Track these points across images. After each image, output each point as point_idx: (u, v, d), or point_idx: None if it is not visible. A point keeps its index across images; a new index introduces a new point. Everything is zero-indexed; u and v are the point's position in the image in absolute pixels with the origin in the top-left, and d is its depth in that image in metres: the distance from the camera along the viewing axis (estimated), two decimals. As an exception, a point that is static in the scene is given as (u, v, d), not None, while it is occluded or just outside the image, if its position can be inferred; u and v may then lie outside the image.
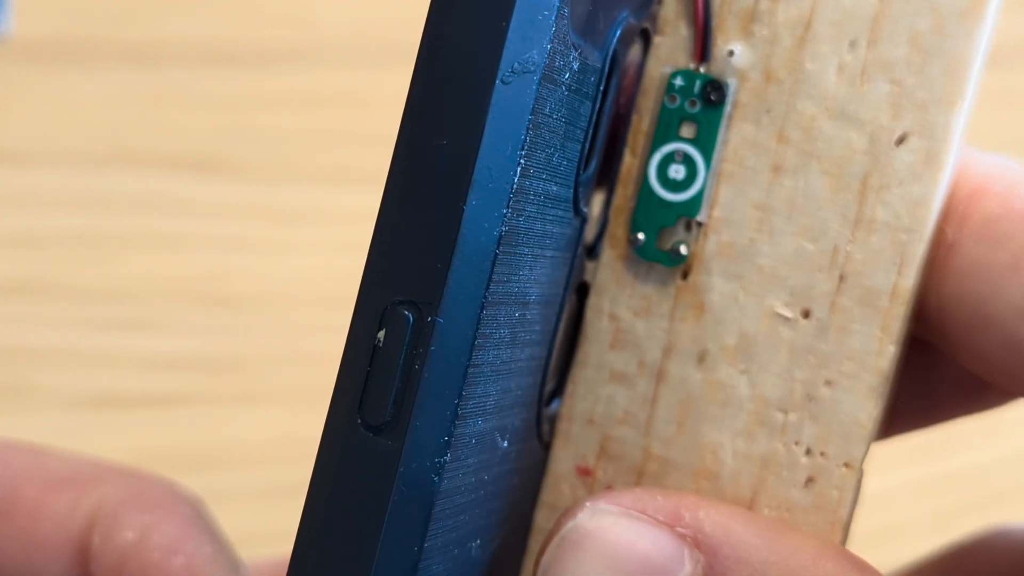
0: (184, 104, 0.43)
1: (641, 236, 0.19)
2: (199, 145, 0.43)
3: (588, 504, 0.18)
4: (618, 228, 0.19)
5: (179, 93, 0.43)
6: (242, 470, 0.41)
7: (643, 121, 0.19)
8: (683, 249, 0.19)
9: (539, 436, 0.19)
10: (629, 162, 0.19)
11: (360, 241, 0.48)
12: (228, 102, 0.43)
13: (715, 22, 0.19)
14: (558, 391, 0.20)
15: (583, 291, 0.20)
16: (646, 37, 0.19)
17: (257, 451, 0.41)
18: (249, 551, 0.41)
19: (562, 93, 0.17)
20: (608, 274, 0.19)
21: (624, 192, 0.19)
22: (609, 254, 0.19)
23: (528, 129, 0.16)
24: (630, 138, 0.19)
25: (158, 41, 0.43)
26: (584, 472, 0.20)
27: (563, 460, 0.20)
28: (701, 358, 0.19)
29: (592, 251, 0.20)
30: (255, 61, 0.44)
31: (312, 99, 0.44)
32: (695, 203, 0.19)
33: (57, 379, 0.41)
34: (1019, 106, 0.47)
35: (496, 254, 0.16)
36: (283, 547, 0.44)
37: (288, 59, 0.44)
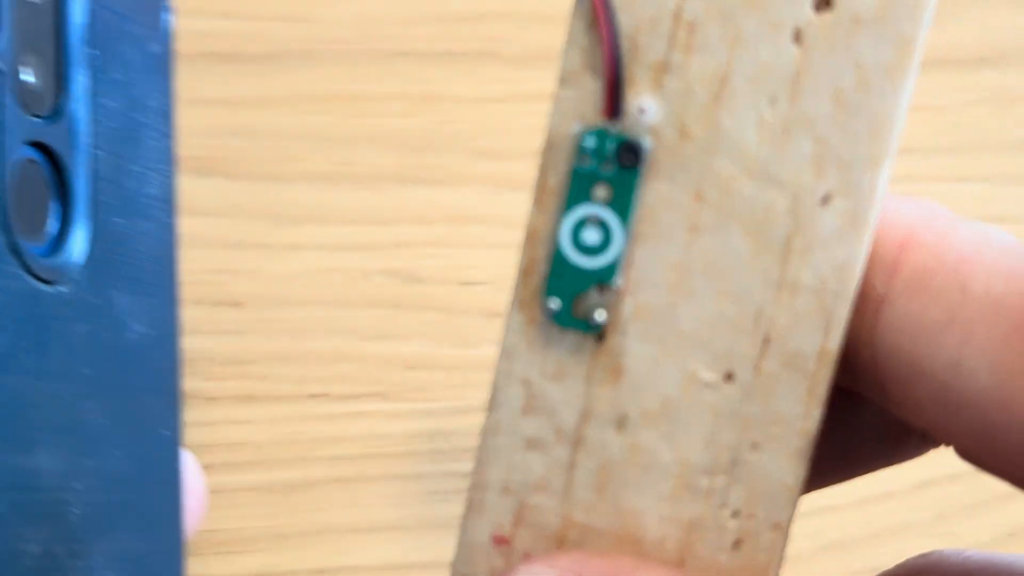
0: (184, 104, 0.43)
1: (555, 303, 0.18)
2: (199, 145, 0.43)
3: (523, 568, 0.18)
4: (527, 292, 0.19)
5: (179, 93, 0.43)
6: (242, 470, 0.41)
7: (550, 179, 0.18)
8: (599, 316, 0.18)
9: (28, 270, 0.18)
10: (535, 219, 0.18)
11: (360, 241, 0.48)
12: (228, 102, 0.43)
13: (625, 75, 0.18)
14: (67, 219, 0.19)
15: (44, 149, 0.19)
16: None
17: (257, 451, 0.41)
18: (249, 550, 0.41)
19: None
20: (518, 338, 0.19)
21: (532, 253, 0.18)
22: (518, 318, 0.19)
23: None
24: (536, 193, 0.18)
25: (158, 41, 0.43)
26: (501, 541, 0.19)
27: (478, 529, 0.19)
28: (620, 423, 0.19)
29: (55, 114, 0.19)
30: (255, 61, 0.44)
31: (312, 99, 0.44)
32: (612, 268, 0.18)
33: (57, 379, 0.41)
34: (1019, 106, 0.47)
35: None
36: (282, 547, 0.44)
37: (288, 59, 0.44)
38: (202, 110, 0.43)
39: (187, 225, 0.42)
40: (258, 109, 0.43)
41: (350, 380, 0.42)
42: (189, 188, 0.43)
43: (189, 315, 0.42)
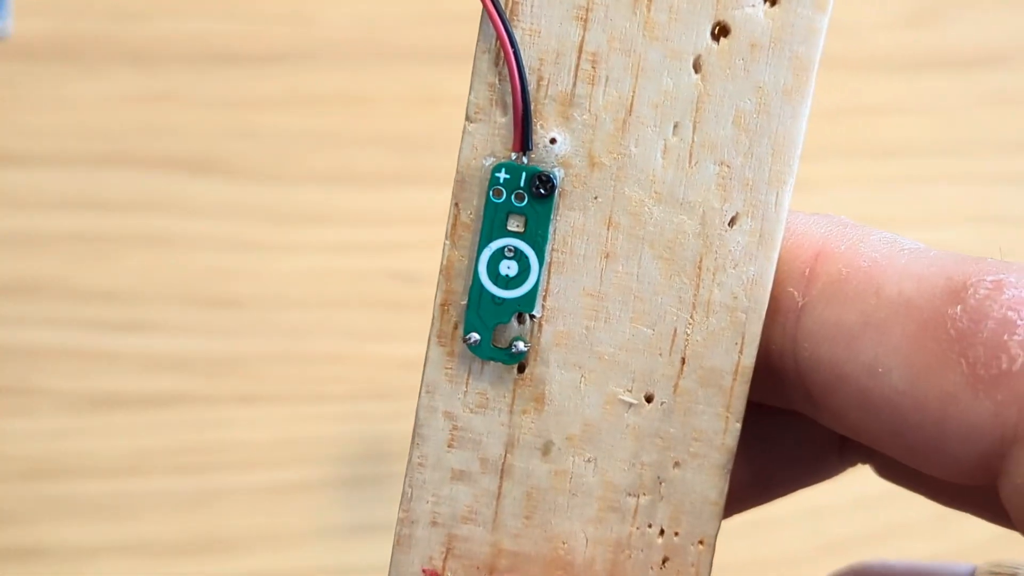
0: (184, 104, 0.43)
1: (476, 336, 0.19)
2: (199, 145, 0.43)
3: None
4: (447, 324, 0.19)
5: (179, 93, 0.43)
6: (242, 470, 0.41)
7: (463, 213, 0.19)
8: (521, 345, 0.19)
9: None
10: (451, 255, 0.19)
11: (360, 241, 0.48)
12: (228, 102, 0.43)
13: (533, 109, 0.18)
14: None
15: None
16: None
17: (257, 451, 0.41)
18: (249, 550, 0.41)
19: None
20: (439, 372, 0.19)
21: (449, 287, 0.19)
22: (438, 351, 0.19)
23: None
24: (450, 227, 0.19)
25: (158, 41, 0.43)
26: (432, 575, 0.20)
27: (407, 564, 0.20)
28: (545, 450, 0.19)
29: None
30: (255, 61, 0.44)
31: (312, 99, 0.44)
32: (530, 298, 0.19)
33: (57, 379, 0.41)
34: (1019, 106, 0.47)
35: None
36: (281, 547, 0.44)
37: (288, 59, 0.44)
38: (202, 110, 0.43)
39: (187, 225, 0.42)
40: (258, 109, 0.43)
41: (350, 380, 0.42)
42: (189, 188, 0.43)
43: (189, 315, 0.42)
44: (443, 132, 0.44)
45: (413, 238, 0.43)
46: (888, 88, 0.47)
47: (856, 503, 0.42)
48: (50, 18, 0.43)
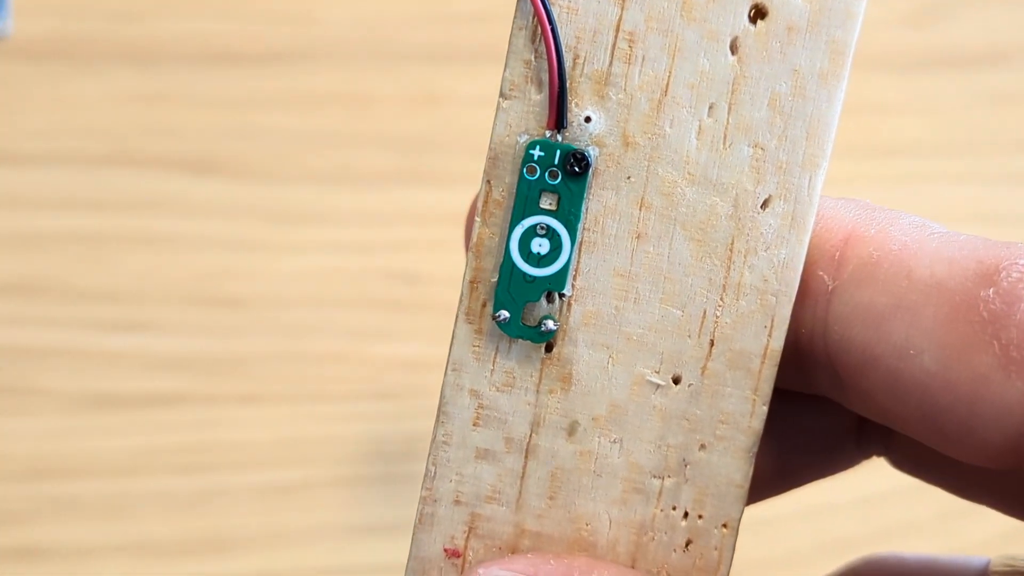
0: (184, 104, 0.43)
1: (505, 313, 0.19)
2: (199, 145, 0.43)
3: (481, 571, 0.18)
4: (475, 302, 0.19)
5: (179, 93, 0.43)
6: (242, 470, 0.41)
7: (495, 190, 0.19)
8: (550, 324, 0.19)
9: None
10: (482, 232, 0.19)
11: (360, 241, 0.48)
12: (228, 102, 0.43)
13: (568, 86, 0.18)
14: None
15: None
16: None
17: (257, 451, 0.41)
18: (248, 551, 0.41)
19: None
20: (466, 349, 0.19)
21: (479, 264, 0.19)
22: (466, 329, 0.19)
23: None
24: (482, 204, 0.19)
25: (158, 41, 0.43)
26: (453, 554, 0.19)
27: (429, 543, 0.19)
28: (571, 430, 0.19)
29: None
30: (255, 61, 0.44)
31: (312, 99, 0.44)
32: (561, 277, 0.19)
33: (57, 379, 0.41)
34: (1019, 106, 0.47)
35: None
36: (281, 547, 0.44)
37: (288, 59, 0.44)
38: (202, 110, 0.43)
39: (187, 225, 0.42)
40: (258, 109, 0.43)
41: (350, 380, 0.42)
42: (189, 188, 0.43)
43: (189, 315, 0.42)
44: (443, 132, 0.44)
45: (413, 238, 0.43)
46: (888, 88, 0.47)
47: (860, 501, 0.42)
48: (50, 18, 0.43)
